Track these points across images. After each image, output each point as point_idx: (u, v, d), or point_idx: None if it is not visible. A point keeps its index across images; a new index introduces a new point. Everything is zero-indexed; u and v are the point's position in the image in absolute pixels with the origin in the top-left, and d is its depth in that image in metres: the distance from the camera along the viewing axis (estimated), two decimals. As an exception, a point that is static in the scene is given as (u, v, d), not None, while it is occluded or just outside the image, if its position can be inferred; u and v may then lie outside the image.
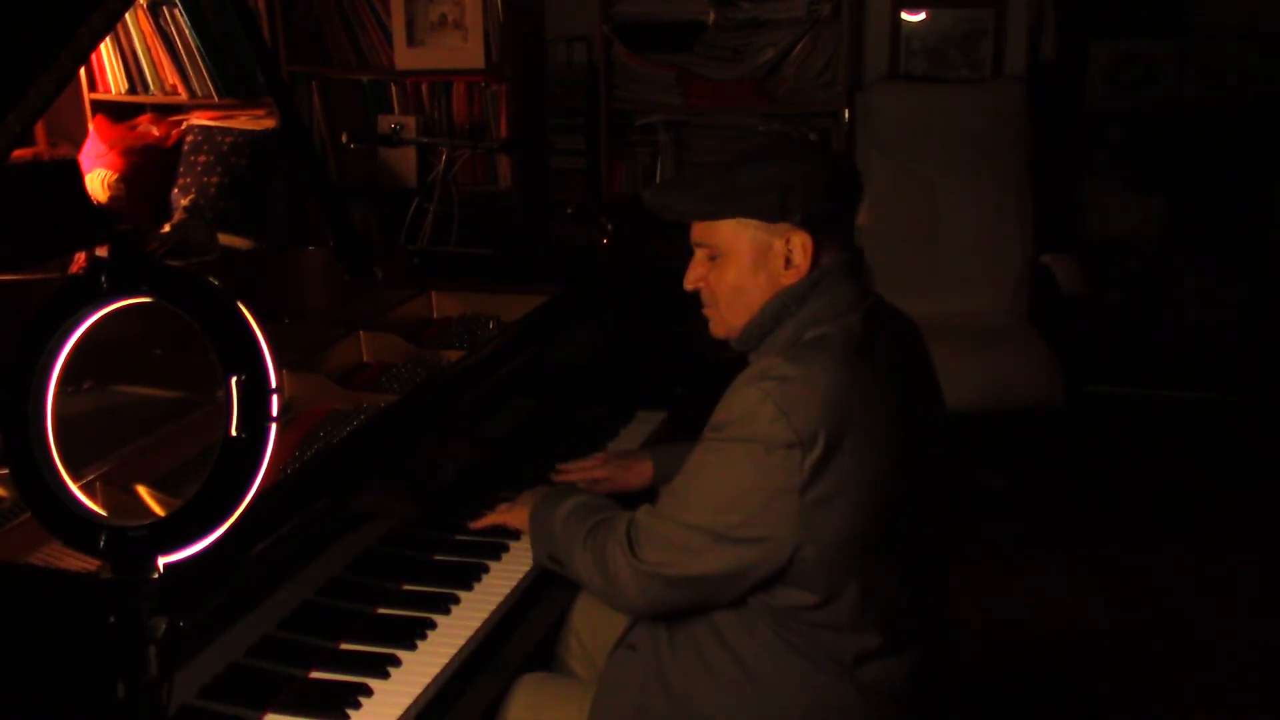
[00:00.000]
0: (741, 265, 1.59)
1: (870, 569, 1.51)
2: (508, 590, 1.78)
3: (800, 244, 1.56)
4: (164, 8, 4.35)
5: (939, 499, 1.66)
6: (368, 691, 1.52)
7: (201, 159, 4.19)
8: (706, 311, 1.68)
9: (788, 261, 1.57)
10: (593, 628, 1.96)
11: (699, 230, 1.63)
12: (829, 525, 1.47)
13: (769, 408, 1.47)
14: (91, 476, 1.64)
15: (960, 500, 1.82)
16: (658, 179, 4.33)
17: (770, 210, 1.56)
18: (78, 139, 4.44)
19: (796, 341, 1.56)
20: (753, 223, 1.57)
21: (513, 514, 1.87)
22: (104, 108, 4.52)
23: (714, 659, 1.59)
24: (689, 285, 1.67)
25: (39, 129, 4.33)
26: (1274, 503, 3.70)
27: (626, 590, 1.60)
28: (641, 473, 2.05)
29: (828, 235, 1.58)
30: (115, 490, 1.66)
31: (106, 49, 4.43)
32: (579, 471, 2.07)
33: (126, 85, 4.52)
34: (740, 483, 1.50)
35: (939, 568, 1.70)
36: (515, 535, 1.90)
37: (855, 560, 1.50)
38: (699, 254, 1.65)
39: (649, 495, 2.01)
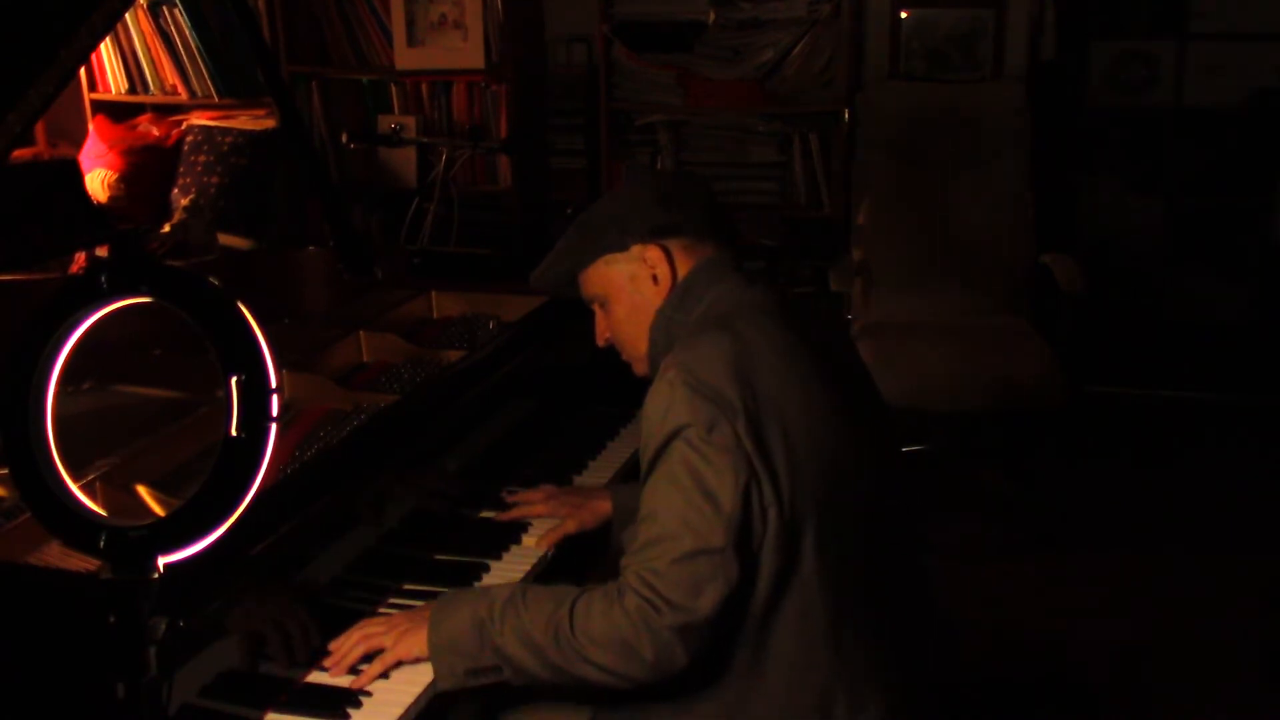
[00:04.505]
0: (622, 299, 1.71)
1: (822, 534, 1.50)
2: (508, 590, 1.77)
3: (655, 257, 1.67)
4: (164, 8, 4.35)
5: (891, 476, 1.67)
6: (368, 691, 1.52)
7: (201, 159, 4.19)
8: (624, 358, 1.77)
9: (655, 279, 1.67)
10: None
11: (583, 289, 1.75)
12: (782, 485, 1.47)
13: (680, 391, 1.49)
14: (91, 476, 1.64)
15: (941, 498, 1.82)
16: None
17: (615, 240, 1.69)
18: (78, 139, 4.44)
19: None
20: (611, 258, 1.70)
21: (402, 643, 1.55)
22: (104, 108, 4.51)
23: (699, 704, 1.55)
24: (600, 342, 1.79)
25: (39, 129, 4.33)
26: (1274, 503, 3.70)
27: (674, 658, 1.45)
28: (597, 510, 1.97)
29: (678, 241, 1.67)
30: (115, 490, 1.66)
31: (106, 49, 4.43)
32: (525, 507, 1.99)
33: (126, 85, 4.52)
34: (698, 484, 1.46)
35: (912, 554, 1.70)
36: (499, 550, 1.87)
37: (808, 525, 1.50)
38: (595, 310, 1.77)
39: (605, 534, 1.97)
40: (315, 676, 1.54)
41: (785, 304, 1.67)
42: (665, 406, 1.50)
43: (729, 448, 1.46)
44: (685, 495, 1.48)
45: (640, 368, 1.74)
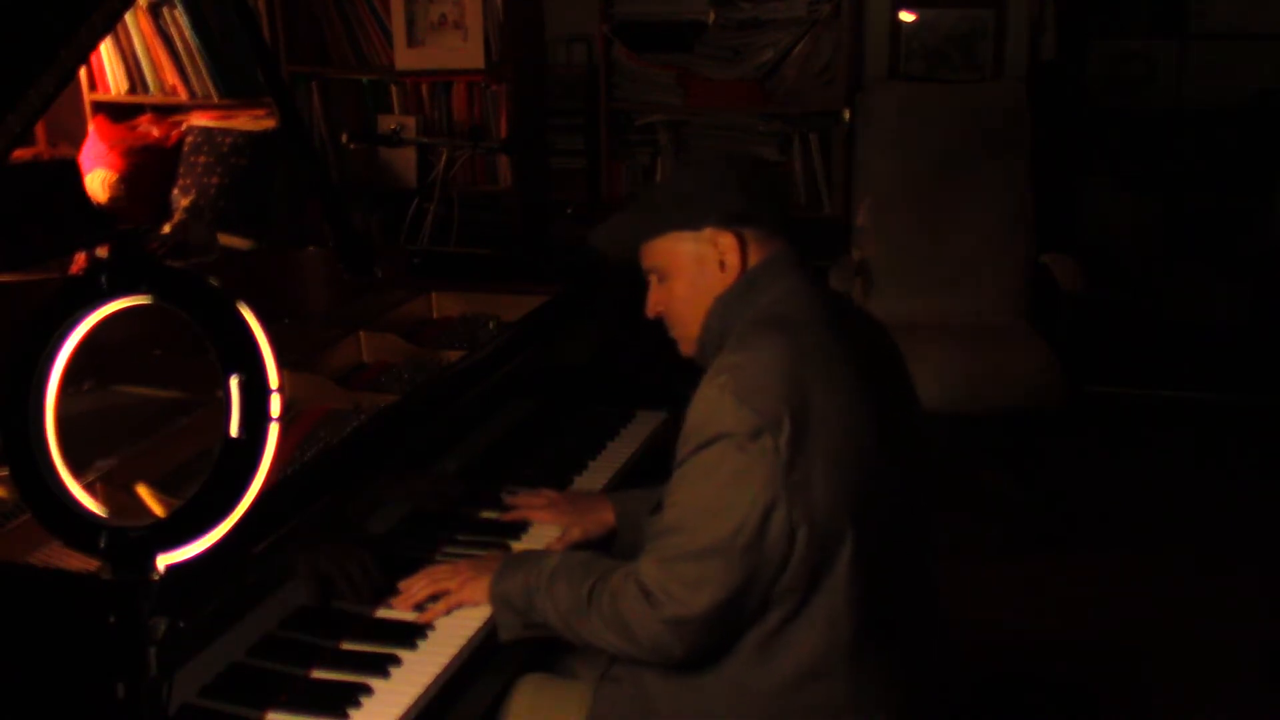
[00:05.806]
0: (684, 278, 1.67)
1: (859, 548, 1.50)
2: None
3: (727, 244, 1.64)
4: (164, 8, 4.35)
5: (921, 488, 1.67)
6: (368, 691, 1.52)
7: (201, 159, 4.19)
8: (672, 334, 1.75)
9: (722, 265, 1.64)
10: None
11: (644, 257, 1.71)
12: (817, 503, 1.47)
13: (729, 399, 1.49)
14: (91, 476, 1.64)
15: (941, 497, 1.82)
16: (657, 179, 4.33)
17: (689, 218, 1.65)
18: (78, 139, 4.44)
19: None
20: (681, 235, 1.66)
21: (466, 589, 1.70)
22: (104, 108, 4.51)
23: (700, 678, 1.57)
24: (650, 313, 1.75)
25: (39, 129, 4.32)
26: (1274, 503, 3.70)
27: (669, 649, 1.53)
28: (601, 520, 1.96)
29: (752, 232, 1.65)
30: (115, 490, 1.66)
31: (106, 49, 4.43)
32: (527, 510, 1.99)
33: (126, 85, 4.52)
34: (726, 486, 1.48)
35: (927, 565, 1.70)
36: (518, 531, 1.88)
37: (845, 538, 1.50)
38: (651, 281, 1.73)
39: (609, 541, 1.96)
40: (382, 612, 1.69)
41: (839, 306, 1.67)
42: (712, 411, 1.50)
43: (765, 462, 1.46)
44: (710, 494, 1.50)
45: (686, 348, 1.72)
